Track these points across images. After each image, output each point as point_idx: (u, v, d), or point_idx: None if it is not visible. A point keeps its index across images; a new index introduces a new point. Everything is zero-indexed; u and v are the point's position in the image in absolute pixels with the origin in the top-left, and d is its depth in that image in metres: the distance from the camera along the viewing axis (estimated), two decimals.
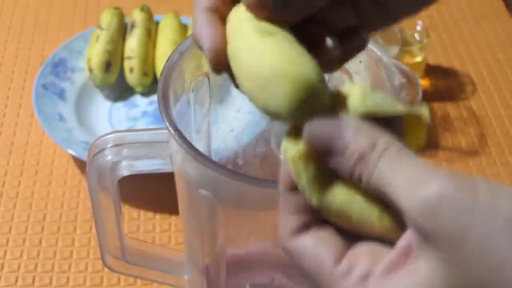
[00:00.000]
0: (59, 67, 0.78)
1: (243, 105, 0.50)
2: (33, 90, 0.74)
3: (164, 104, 0.38)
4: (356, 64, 0.44)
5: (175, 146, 0.38)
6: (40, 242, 0.65)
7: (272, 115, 0.29)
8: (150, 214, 0.68)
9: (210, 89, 0.45)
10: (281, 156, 0.29)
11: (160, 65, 0.79)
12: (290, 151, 0.29)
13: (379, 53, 0.42)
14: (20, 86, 0.81)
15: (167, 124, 0.37)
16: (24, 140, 0.75)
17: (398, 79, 0.39)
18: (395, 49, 0.71)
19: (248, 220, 0.47)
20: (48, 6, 0.93)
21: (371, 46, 0.42)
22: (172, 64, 0.41)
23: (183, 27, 0.82)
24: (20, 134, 0.75)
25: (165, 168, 0.42)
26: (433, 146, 0.76)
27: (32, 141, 0.75)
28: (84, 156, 0.66)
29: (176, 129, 0.37)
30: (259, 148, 0.52)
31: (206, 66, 0.44)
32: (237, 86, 0.31)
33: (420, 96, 0.38)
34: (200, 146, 0.48)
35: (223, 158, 0.51)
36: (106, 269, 0.57)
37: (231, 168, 0.51)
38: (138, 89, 0.79)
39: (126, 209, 0.68)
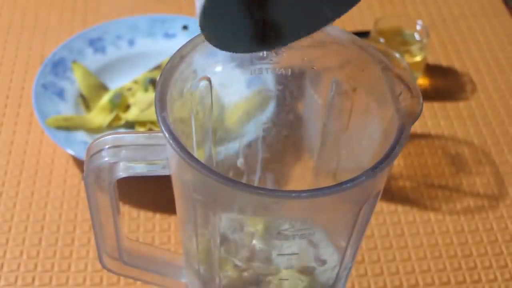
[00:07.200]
0: (58, 66, 0.78)
1: (246, 108, 0.50)
2: (33, 89, 0.74)
3: (161, 108, 0.38)
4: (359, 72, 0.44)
5: (170, 149, 0.38)
6: (40, 242, 0.65)
7: None
8: (149, 214, 0.68)
9: (212, 93, 0.45)
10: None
11: None
12: None
13: (384, 61, 0.41)
14: (19, 85, 0.81)
15: (163, 127, 0.37)
16: (24, 139, 0.75)
17: (399, 89, 0.38)
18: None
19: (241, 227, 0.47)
20: (48, 6, 0.93)
21: (375, 53, 0.42)
22: (172, 68, 0.41)
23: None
24: (19, 134, 0.76)
25: (163, 171, 0.42)
26: (432, 146, 0.76)
27: (31, 141, 0.75)
28: (83, 156, 0.66)
29: (171, 133, 0.37)
30: (261, 153, 0.51)
31: (208, 70, 0.44)
32: None
33: (421, 107, 0.38)
34: (202, 151, 0.48)
35: (225, 163, 0.51)
36: None
37: (233, 174, 0.52)
38: None
39: (125, 209, 0.68)
